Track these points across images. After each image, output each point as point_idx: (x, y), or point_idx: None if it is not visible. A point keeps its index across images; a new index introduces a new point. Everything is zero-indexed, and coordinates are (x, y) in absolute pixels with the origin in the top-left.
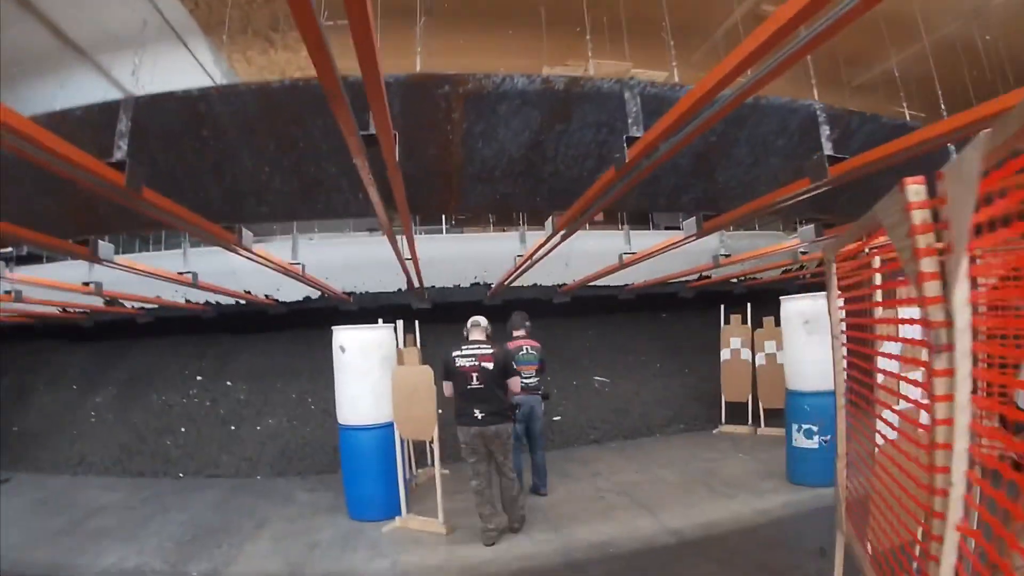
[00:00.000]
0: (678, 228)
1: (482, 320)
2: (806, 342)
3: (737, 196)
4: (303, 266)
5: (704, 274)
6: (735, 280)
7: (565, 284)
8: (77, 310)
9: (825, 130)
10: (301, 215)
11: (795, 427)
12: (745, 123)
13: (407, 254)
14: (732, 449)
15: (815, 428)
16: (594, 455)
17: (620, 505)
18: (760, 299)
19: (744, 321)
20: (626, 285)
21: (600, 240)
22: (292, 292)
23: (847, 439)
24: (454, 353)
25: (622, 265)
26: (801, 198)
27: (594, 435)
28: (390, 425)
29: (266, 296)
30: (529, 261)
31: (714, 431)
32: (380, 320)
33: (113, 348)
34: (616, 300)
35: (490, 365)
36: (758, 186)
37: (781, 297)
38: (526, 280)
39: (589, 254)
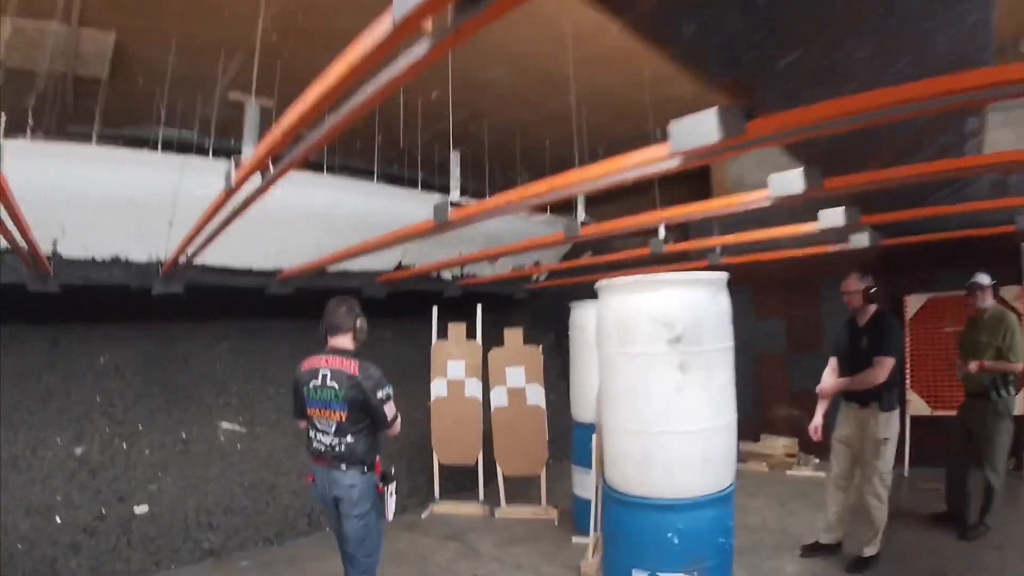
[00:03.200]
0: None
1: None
2: (678, 386)
3: None
4: None
5: (404, 263)
6: (449, 277)
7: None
8: None
9: None
10: None
11: None
12: None
13: None
14: (464, 564)
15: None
16: None
17: None
18: (491, 305)
19: (472, 335)
20: (278, 271)
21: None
22: None
23: None
24: None
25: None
26: None
27: (210, 541)
28: None
29: None
30: None
31: (424, 514)
32: None
33: None
34: (263, 297)
35: None
36: None
37: (600, 284)
38: (99, 247)
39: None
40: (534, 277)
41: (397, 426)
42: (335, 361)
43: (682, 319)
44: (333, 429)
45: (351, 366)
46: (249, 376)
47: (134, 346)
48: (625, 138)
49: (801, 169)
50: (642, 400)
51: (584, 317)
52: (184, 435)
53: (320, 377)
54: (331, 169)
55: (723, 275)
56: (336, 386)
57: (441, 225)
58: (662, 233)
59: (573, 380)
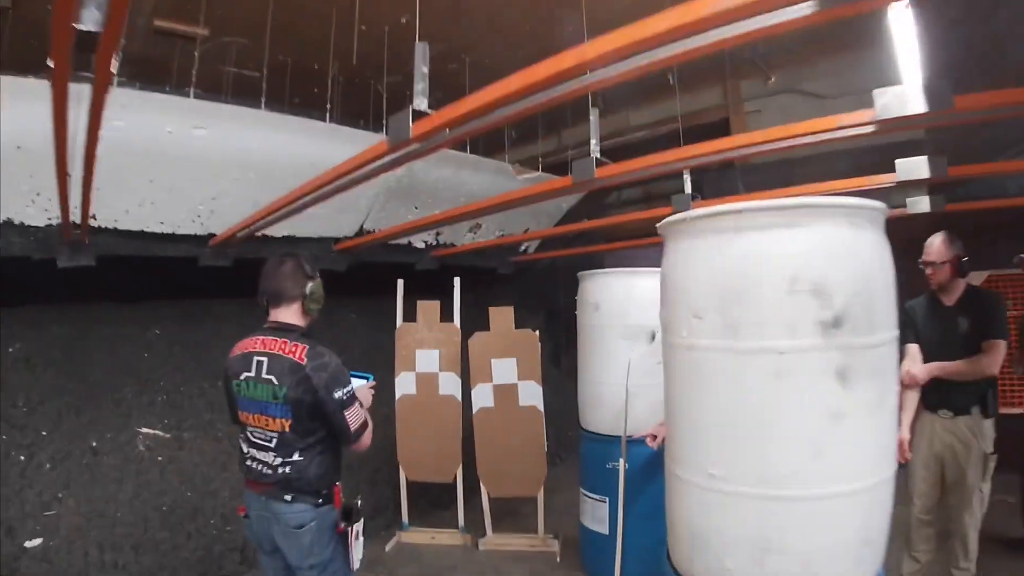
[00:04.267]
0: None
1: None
2: (835, 411)
3: None
4: None
5: (367, 228)
6: (423, 246)
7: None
8: None
9: None
10: None
11: None
12: None
13: None
14: None
15: None
16: None
17: None
18: (470, 281)
19: (448, 317)
20: (210, 237)
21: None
22: None
23: None
24: None
25: None
26: None
27: None
28: None
29: None
30: None
31: (389, 545)
32: None
33: None
34: (200, 271)
35: None
36: None
37: (672, 220)
38: None
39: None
40: (522, 247)
41: (366, 439)
42: (274, 343)
43: (843, 284)
44: (274, 442)
45: (297, 351)
46: (181, 367)
47: (50, 332)
48: (643, 88)
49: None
50: (768, 439)
51: (601, 291)
52: (94, 443)
53: (254, 366)
54: None
55: (882, 206)
56: (274, 380)
57: (399, 146)
58: (688, 187)
59: (583, 376)
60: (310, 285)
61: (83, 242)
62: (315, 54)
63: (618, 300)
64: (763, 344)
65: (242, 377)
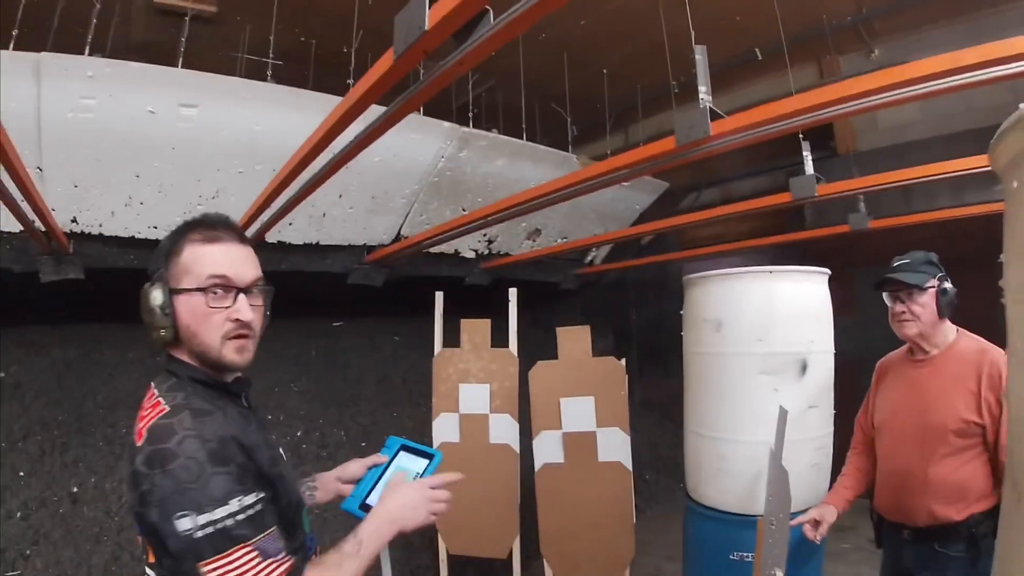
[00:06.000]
0: None
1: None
2: None
3: None
4: None
5: (405, 233)
6: (473, 254)
7: None
8: None
9: None
10: None
11: None
12: None
13: None
14: None
15: None
16: None
17: None
18: (526, 299)
19: (503, 341)
20: None
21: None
22: None
23: None
24: None
25: None
26: None
27: None
28: None
29: None
30: None
31: None
32: None
33: None
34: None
35: None
36: None
37: None
38: None
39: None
40: (588, 258)
41: None
42: (148, 396)
43: None
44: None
45: (146, 416)
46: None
47: (47, 355)
48: (726, 67)
49: None
50: None
51: (724, 302)
52: (75, 488)
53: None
54: None
55: None
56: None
57: (413, 51)
58: (810, 167)
59: (694, 427)
60: (164, 269)
61: (66, 252)
62: (343, 33)
63: (754, 315)
64: None
65: None
